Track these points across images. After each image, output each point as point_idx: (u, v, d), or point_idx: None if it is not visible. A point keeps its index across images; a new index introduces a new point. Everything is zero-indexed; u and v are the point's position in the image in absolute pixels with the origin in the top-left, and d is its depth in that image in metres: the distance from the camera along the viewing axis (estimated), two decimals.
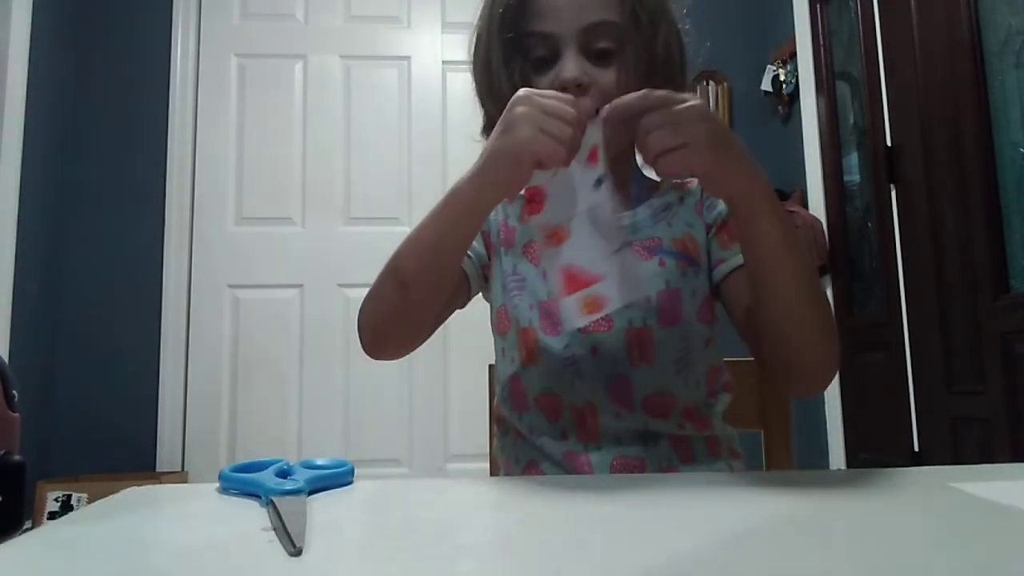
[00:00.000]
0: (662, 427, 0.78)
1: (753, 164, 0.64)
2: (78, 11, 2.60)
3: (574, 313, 0.64)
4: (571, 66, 0.74)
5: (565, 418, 0.79)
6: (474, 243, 0.85)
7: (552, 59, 0.76)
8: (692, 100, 0.62)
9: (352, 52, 2.82)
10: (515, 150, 0.62)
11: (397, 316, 0.75)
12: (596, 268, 0.64)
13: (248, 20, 2.80)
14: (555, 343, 0.78)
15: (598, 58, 0.75)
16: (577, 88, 0.73)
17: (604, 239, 0.65)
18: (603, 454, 0.77)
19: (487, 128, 0.83)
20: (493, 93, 0.78)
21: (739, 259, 0.78)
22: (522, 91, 0.64)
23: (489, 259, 0.87)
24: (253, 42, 2.79)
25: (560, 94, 0.64)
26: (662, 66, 0.77)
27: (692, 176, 0.64)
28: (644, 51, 0.76)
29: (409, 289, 0.72)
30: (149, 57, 2.67)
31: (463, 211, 0.68)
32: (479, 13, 0.81)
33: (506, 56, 0.77)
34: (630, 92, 0.70)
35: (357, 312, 0.76)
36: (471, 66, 0.83)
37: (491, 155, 0.65)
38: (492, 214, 0.87)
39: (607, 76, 0.75)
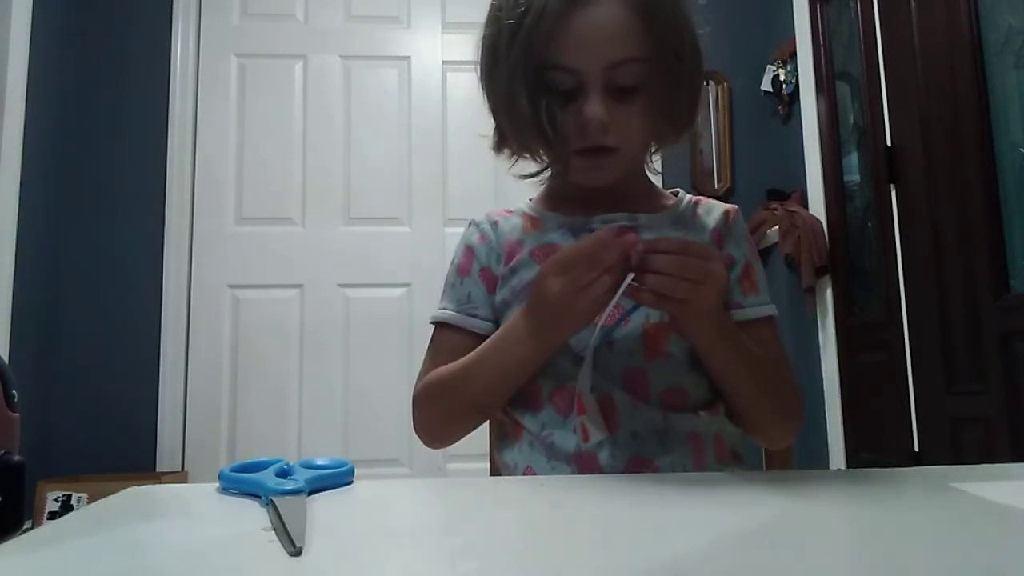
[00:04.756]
0: (680, 422, 0.78)
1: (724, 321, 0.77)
2: (78, 11, 2.60)
3: (576, 436, 0.74)
4: (596, 106, 0.74)
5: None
6: (481, 304, 0.86)
7: (573, 92, 0.75)
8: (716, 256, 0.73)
9: (352, 52, 2.82)
10: (566, 327, 0.73)
11: (468, 429, 0.86)
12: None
13: (248, 20, 2.80)
14: (572, 338, 0.79)
15: (621, 94, 0.75)
16: (599, 126, 0.75)
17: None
18: (617, 452, 0.76)
19: (500, 143, 0.84)
20: (515, 123, 0.78)
21: (753, 312, 0.85)
22: (549, 268, 0.71)
23: (495, 291, 0.87)
24: (253, 42, 2.79)
25: (590, 249, 0.69)
26: (685, 102, 0.80)
27: (685, 309, 0.72)
28: (666, 88, 0.77)
29: (485, 415, 0.86)
30: (149, 57, 2.66)
31: (533, 362, 0.78)
32: (490, 33, 0.79)
33: (531, 92, 0.75)
34: (647, 130, 0.80)
35: (412, 409, 0.86)
36: (481, 80, 0.82)
37: (543, 327, 0.74)
38: (485, 251, 0.88)
39: (629, 115, 0.76)
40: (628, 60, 0.74)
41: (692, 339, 0.77)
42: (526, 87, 0.75)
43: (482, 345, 0.82)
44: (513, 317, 0.79)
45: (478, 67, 0.82)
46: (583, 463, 0.76)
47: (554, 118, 0.75)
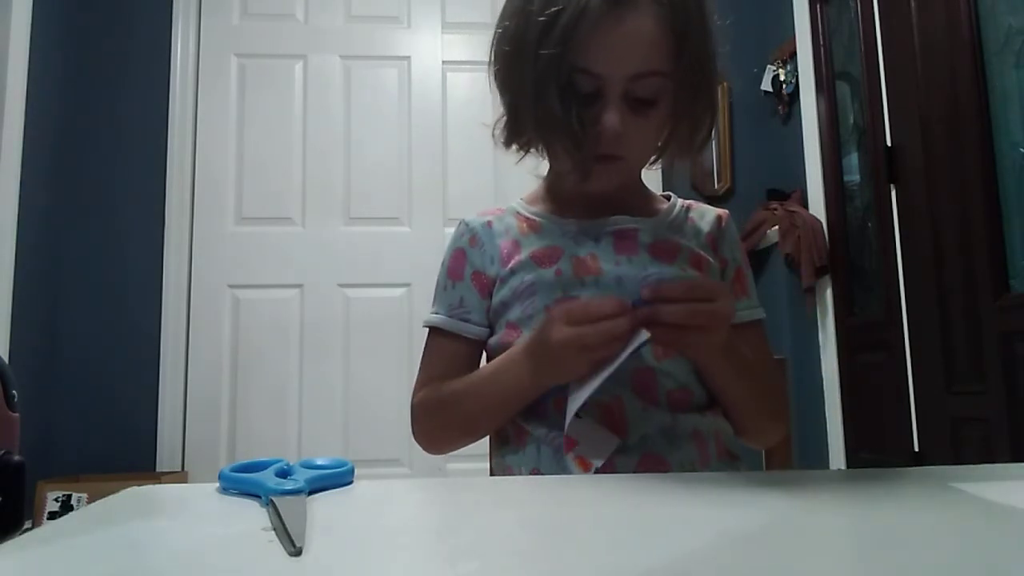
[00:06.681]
0: (685, 422, 0.78)
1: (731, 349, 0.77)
2: (78, 11, 2.60)
3: (575, 470, 0.73)
4: (613, 115, 0.74)
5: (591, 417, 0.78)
6: (473, 308, 0.86)
7: (591, 97, 0.75)
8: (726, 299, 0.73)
9: (352, 52, 2.82)
10: (569, 373, 0.72)
11: (466, 444, 0.87)
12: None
13: (248, 20, 2.80)
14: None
15: (638, 105, 0.75)
16: (613, 135, 0.74)
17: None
18: (629, 454, 0.75)
19: (512, 138, 0.83)
20: (543, 122, 0.76)
21: (745, 315, 0.87)
22: (559, 313, 0.71)
23: (491, 296, 0.86)
24: (253, 42, 2.79)
25: (595, 307, 0.70)
26: (702, 119, 0.80)
27: (695, 346, 0.74)
28: (684, 104, 0.77)
29: (479, 435, 0.86)
30: (149, 57, 2.66)
31: (527, 396, 0.79)
32: (516, 25, 0.76)
33: (562, 93, 0.74)
34: (656, 142, 0.81)
35: (410, 415, 0.88)
36: (497, 71, 0.81)
37: (540, 368, 0.74)
38: (478, 254, 0.87)
39: (642, 127, 0.76)
40: (651, 73, 0.74)
41: (696, 362, 0.79)
42: (558, 87, 0.74)
43: (480, 370, 0.84)
44: (513, 348, 0.79)
45: (493, 57, 0.81)
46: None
47: (583, 121, 0.75)
